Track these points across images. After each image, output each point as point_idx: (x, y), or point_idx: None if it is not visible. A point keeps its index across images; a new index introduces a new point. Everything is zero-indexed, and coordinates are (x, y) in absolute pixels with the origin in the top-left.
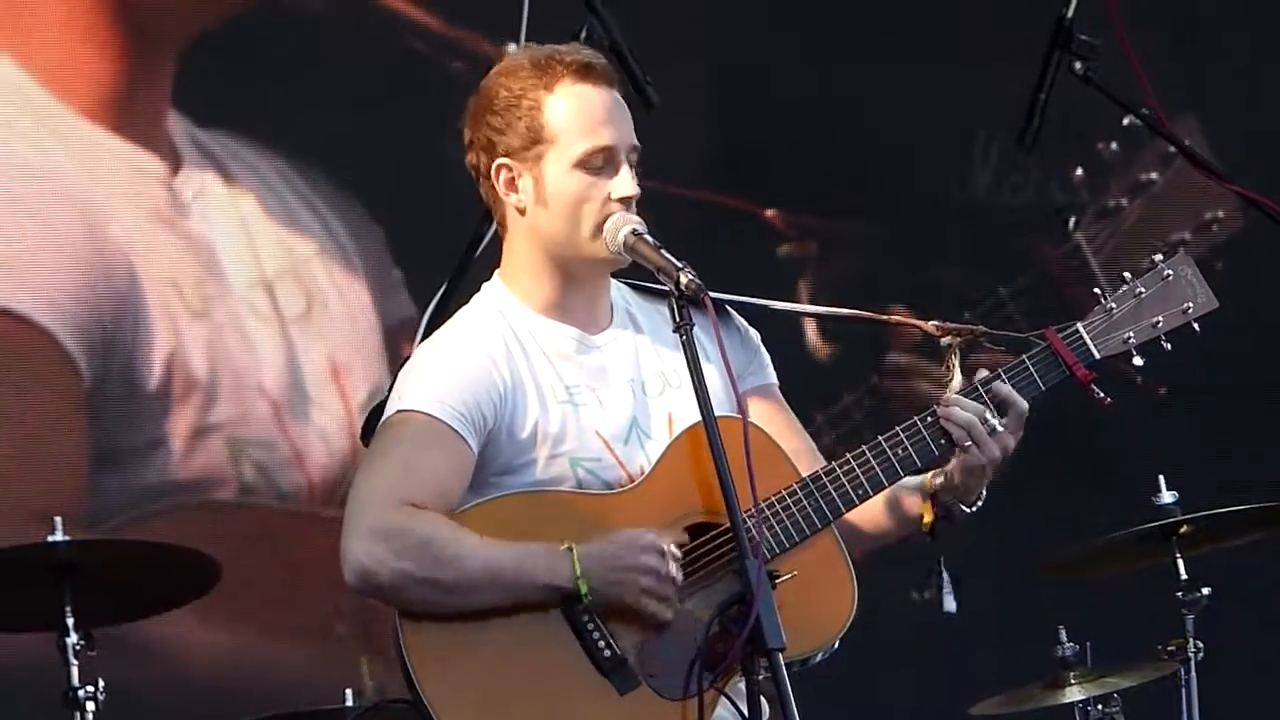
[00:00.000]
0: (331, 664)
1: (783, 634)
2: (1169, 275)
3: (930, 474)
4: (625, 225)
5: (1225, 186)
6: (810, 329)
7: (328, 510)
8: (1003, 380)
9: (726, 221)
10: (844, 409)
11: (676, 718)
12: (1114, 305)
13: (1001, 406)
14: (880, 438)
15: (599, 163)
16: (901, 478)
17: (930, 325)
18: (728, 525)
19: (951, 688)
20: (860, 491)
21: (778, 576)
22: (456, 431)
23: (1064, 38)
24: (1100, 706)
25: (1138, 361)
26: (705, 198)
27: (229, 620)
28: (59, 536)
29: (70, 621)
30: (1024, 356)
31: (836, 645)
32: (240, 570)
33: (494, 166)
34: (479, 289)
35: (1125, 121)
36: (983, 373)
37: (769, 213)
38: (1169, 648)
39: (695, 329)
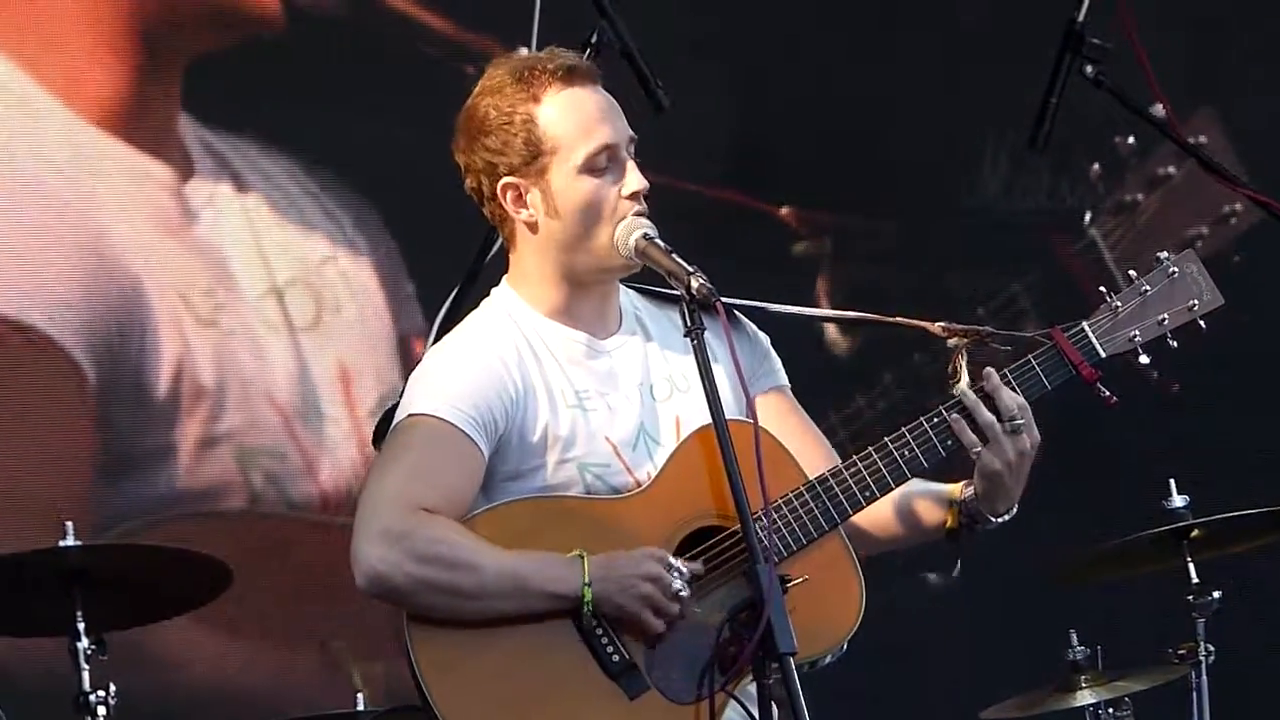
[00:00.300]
0: (340, 669)
1: (794, 638)
2: (1174, 273)
3: (961, 483)
4: (637, 230)
5: (1236, 190)
6: (830, 325)
7: (338, 519)
8: (1009, 380)
9: (741, 220)
10: (858, 409)
11: None
12: (1119, 304)
13: (1007, 408)
14: (887, 439)
15: (603, 163)
16: (909, 479)
17: (936, 326)
18: (735, 529)
19: (962, 691)
20: (868, 494)
21: (788, 580)
22: (468, 435)
23: (1075, 41)
24: (1111, 710)
25: (1144, 360)
26: (720, 195)
27: (239, 627)
28: (70, 541)
29: (81, 626)
30: (1030, 356)
31: (844, 648)
32: (250, 578)
33: (499, 187)
34: (489, 295)
35: (1131, 139)
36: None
37: (783, 210)
38: (1180, 651)
39: (706, 333)
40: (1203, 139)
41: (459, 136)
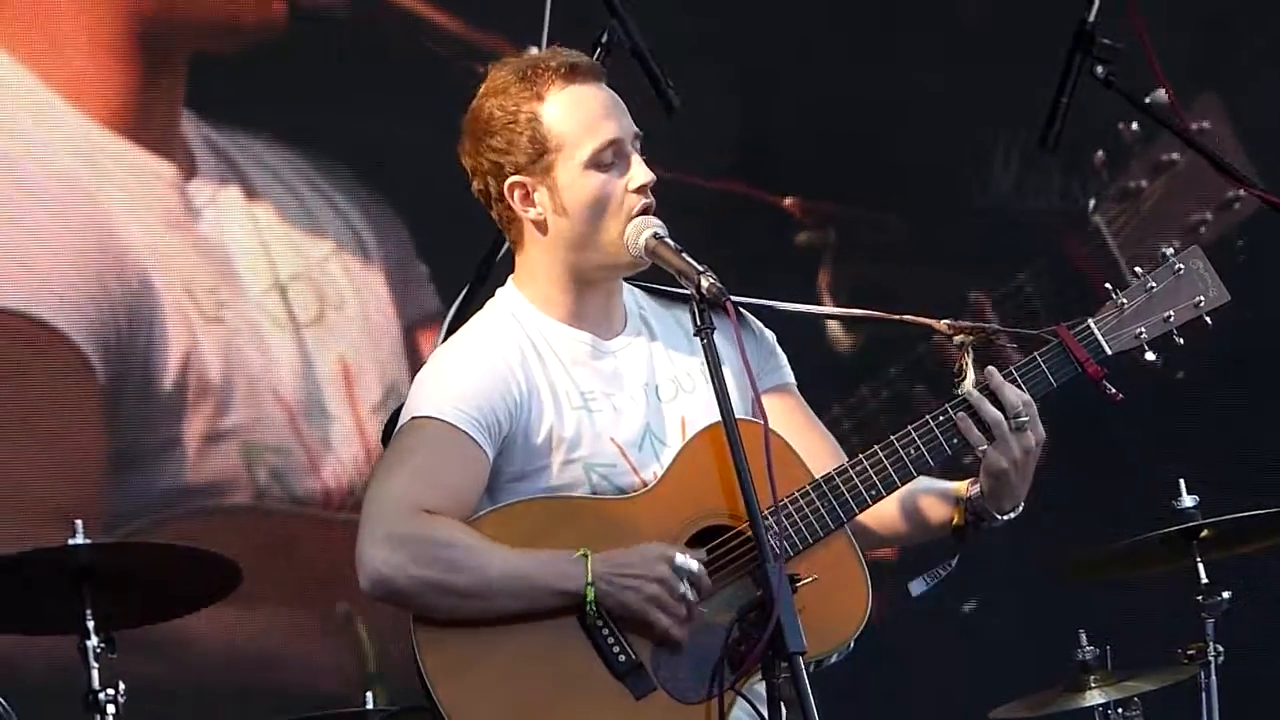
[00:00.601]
0: (348, 667)
1: (803, 637)
2: (1180, 269)
3: (967, 481)
4: (647, 229)
5: (1248, 191)
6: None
7: (342, 515)
8: (1014, 378)
9: (747, 216)
10: (861, 398)
11: None
12: (1125, 300)
13: (1012, 405)
14: (893, 436)
15: (609, 158)
16: (914, 478)
17: (942, 324)
18: (742, 528)
19: (971, 691)
20: (874, 492)
21: (798, 580)
22: (472, 437)
23: (1085, 41)
24: (1120, 710)
25: (1150, 357)
26: (726, 190)
27: (246, 624)
28: (79, 539)
29: (91, 624)
30: (1036, 353)
31: (851, 646)
32: (256, 574)
33: (506, 186)
34: (494, 295)
35: (1135, 125)
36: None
37: (787, 201)
38: (1189, 651)
39: (715, 332)
40: (1205, 124)
41: (464, 139)
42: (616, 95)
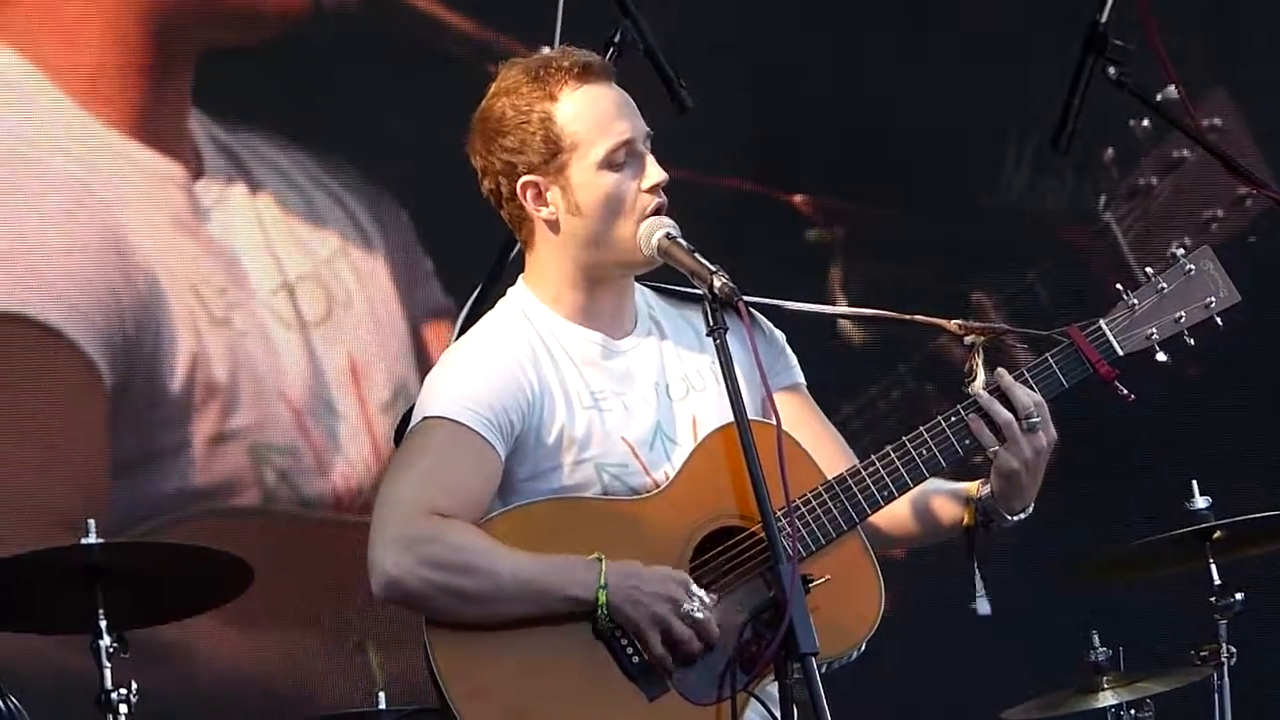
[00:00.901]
0: (359, 668)
1: (815, 638)
2: (1190, 270)
3: (978, 481)
4: (659, 229)
5: (1253, 186)
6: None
7: (350, 516)
8: (1026, 379)
9: (758, 215)
10: (870, 398)
11: None
12: (1136, 301)
13: (1024, 406)
14: (905, 438)
15: (622, 158)
16: (926, 479)
17: (953, 324)
18: (754, 529)
19: (983, 692)
20: (886, 493)
21: (810, 580)
22: (484, 438)
23: (1098, 42)
24: (1133, 711)
25: (1162, 357)
26: (738, 186)
27: (257, 625)
28: (92, 539)
29: (103, 624)
30: (1047, 355)
31: (864, 648)
32: (264, 576)
33: (519, 186)
34: (505, 294)
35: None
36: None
37: (797, 198)
38: (1202, 653)
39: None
40: (1217, 121)
41: (474, 138)
42: (627, 94)
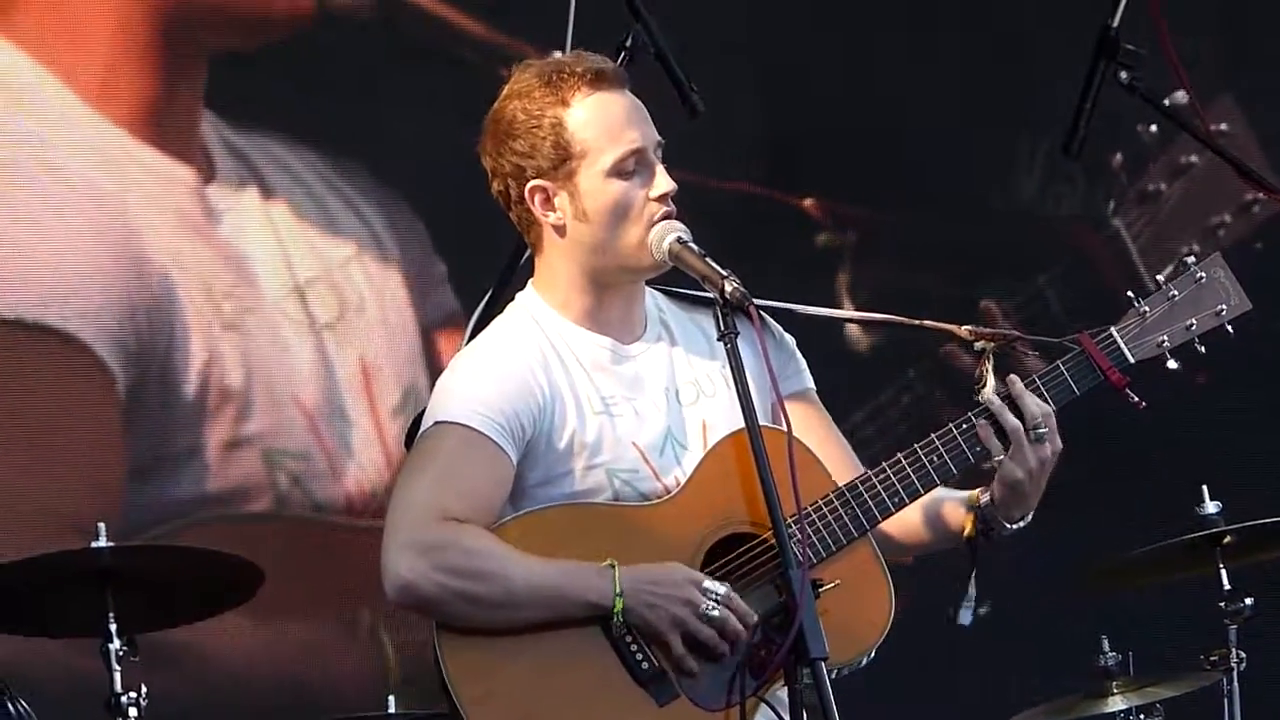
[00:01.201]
0: (369, 672)
1: (825, 643)
2: (1201, 277)
3: (979, 489)
4: (670, 233)
5: (1263, 190)
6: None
7: (363, 521)
8: (1037, 386)
9: (768, 218)
10: (879, 405)
11: None
12: (1147, 309)
13: (1032, 414)
14: (916, 445)
15: (631, 166)
16: (937, 485)
17: (964, 330)
18: (765, 535)
19: (993, 697)
20: (896, 500)
21: (820, 585)
22: (496, 442)
23: (1110, 47)
24: (1143, 717)
25: (1173, 365)
26: (747, 189)
27: (268, 628)
28: (103, 543)
29: (113, 628)
30: (1058, 362)
31: (874, 654)
32: (276, 580)
33: (528, 189)
34: (514, 299)
35: (1154, 128)
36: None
37: (807, 202)
38: (1212, 658)
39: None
40: (1224, 126)
41: (485, 139)
42: (640, 102)
